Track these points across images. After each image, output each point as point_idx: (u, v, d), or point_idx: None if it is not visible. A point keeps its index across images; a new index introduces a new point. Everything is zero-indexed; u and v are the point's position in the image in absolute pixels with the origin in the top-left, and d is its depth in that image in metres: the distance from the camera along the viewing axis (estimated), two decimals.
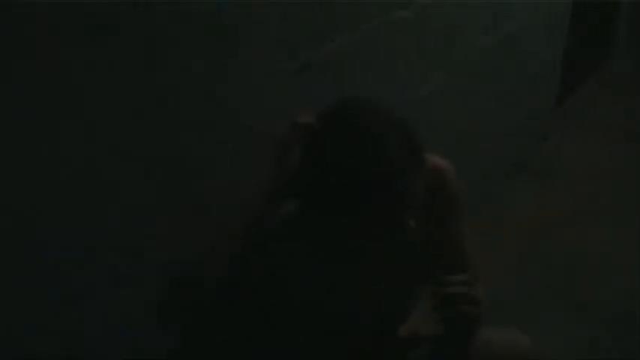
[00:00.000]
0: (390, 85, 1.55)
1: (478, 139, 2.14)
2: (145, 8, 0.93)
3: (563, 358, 1.67)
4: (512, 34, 2.14)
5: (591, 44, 3.28)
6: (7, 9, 0.78)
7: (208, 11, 1.02)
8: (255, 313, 1.11)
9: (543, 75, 2.60)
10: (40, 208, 0.88)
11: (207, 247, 1.00)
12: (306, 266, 1.05)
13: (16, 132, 0.83)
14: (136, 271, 1.04)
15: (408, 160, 0.88)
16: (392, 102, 0.98)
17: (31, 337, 0.93)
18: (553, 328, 1.77)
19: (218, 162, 1.14)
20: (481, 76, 2.06)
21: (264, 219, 1.00)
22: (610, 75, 3.45)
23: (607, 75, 3.43)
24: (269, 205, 0.99)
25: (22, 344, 0.92)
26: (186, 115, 1.05)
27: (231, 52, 1.10)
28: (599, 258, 2.06)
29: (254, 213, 0.99)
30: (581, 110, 3.06)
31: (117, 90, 0.93)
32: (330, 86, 1.31)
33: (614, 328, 1.78)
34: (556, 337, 1.72)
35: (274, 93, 1.20)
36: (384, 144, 0.87)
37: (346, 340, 1.16)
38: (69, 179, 0.91)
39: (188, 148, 1.07)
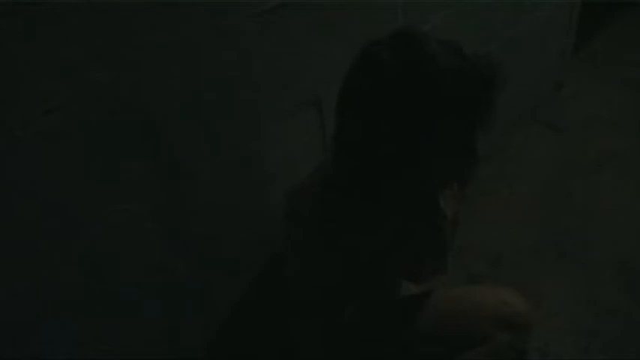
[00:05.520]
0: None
1: None
2: None
3: (563, 309, 1.69)
4: None
5: None
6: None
7: None
8: None
9: (558, 23, 2.51)
10: None
11: None
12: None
13: None
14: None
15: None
16: None
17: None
18: (560, 276, 1.78)
19: None
20: (494, 21, 1.98)
21: None
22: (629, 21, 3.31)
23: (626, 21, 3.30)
24: None
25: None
26: None
27: None
28: (613, 209, 2.02)
29: None
30: (597, 59, 2.97)
31: None
32: None
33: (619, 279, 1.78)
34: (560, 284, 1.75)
35: None
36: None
37: None
38: None
39: None
